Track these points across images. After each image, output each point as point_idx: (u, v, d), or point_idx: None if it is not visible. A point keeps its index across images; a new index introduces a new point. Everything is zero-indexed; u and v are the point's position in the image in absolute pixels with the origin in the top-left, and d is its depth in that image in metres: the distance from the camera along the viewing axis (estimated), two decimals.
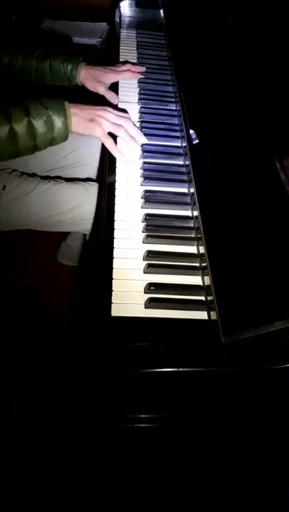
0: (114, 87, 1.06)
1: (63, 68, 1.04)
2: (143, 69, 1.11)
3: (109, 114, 0.86)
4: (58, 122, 0.83)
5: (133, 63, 1.13)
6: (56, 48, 1.09)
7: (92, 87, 1.05)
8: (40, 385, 1.28)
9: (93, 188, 1.09)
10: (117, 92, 1.04)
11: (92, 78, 1.05)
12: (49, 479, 1.12)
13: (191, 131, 0.81)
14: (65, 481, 1.13)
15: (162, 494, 1.09)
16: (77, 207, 1.08)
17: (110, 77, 1.06)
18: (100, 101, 1.04)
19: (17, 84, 1.12)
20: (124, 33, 1.32)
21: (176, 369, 0.52)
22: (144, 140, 0.90)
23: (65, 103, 0.84)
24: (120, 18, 1.39)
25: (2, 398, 1.25)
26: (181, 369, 0.52)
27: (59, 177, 1.15)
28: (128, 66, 1.09)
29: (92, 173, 1.20)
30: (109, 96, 1.02)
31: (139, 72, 1.09)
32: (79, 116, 0.85)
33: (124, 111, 0.95)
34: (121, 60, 1.16)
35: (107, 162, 0.87)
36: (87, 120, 0.85)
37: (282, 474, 0.88)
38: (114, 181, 0.82)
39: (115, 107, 0.98)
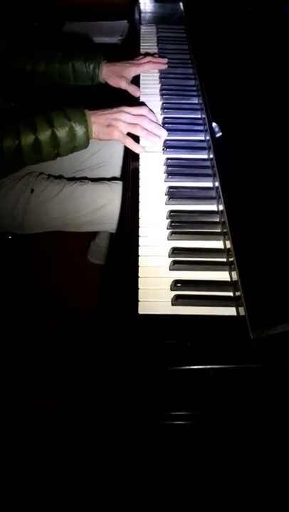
0: (135, 82, 1.07)
1: (86, 68, 1.06)
2: (164, 60, 1.11)
3: (125, 115, 0.87)
4: (79, 132, 0.85)
5: (153, 54, 1.13)
6: (77, 49, 1.10)
7: (115, 83, 1.06)
8: (42, 384, 1.30)
9: (118, 187, 1.10)
10: (138, 87, 1.04)
11: (114, 74, 1.06)
12: (49, 479, 1.13)
13: (214, 125, 0.80)
14: (65, 480, 1.13)
15: (162, 493, 1.09)
16: (104, 206, 1.09)
17: (131, 71, 1.07)
18: (123, 95, 1.05)
19: (41, 88, 1.15)
20: (144, 29, 1.31)
21: (203, 366, 0.52)
22: (164, 132, 0.90)
23: (86, 112, 0.86)
24: (140, 15, 1.38)
25: (3, 399, 1.27)
26: (208, 366, 0.51)
27: (85, 178, 1.16)
28: (148, 58, 1.10)
29: (117, 172, 1.21)
30: (132, 89, 1.04)
31: (160, 63, 1.09)
32: (98, 124, 0.87)
33: (142, 105, 0.95)
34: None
35: (130, 160, 0.87)
36: (105, 126, 0.87)
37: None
38: (138, 179, 0.82)
39: (134, 103, 0.98)
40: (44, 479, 1.13)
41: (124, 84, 1.04)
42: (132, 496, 1.09)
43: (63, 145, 0.86)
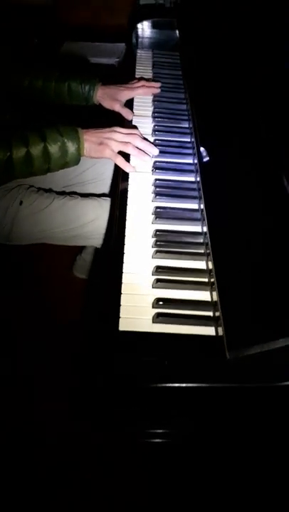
0: (129, 105, 1.10)
1: (81, 89, 1.09)
2: (157, 84, 1.14)
3: (117, 135, 0.89)
4: (71, 148, 0.87)
5: (147, 79, 1.17)
6: (74, 69, 1.14)
7: (109, 106, 1.09)
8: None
9: (107, 204, 1.11)
10: (132, 110, 1.07)
11: (108, 97, 1.09)
12: (49, 479, 1.13)
13: (202, 149, 0.82)
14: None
15: (162, 494, 1.09)
16: (92, 221, 1.10)
17: (125, 95, 1.10)
18: (116, 117, 1.08)
19: (37, 103, 1.17)
20: (140, 53, 1.35)
21: (179, 384, 0.52)
22: (155, 150, 0.92)
23: (79, 130, 0.88)
24: (137, 39, 1.43)
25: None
26: (184, 384, 0.52)
27: (74, 193, 1.18)
28: (142, 82, 1.13)
29: (107, 189, 1.23)
30: (125, 112, 1.06)
31: (153, 88, 1.12)
32: (90, 142, 0.89)
33: (134, 127, 0.98)
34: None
35: (120, 178, 0.89)
36: (97, 144, 0.89)
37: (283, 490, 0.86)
38: (127, 197, 0.84)
39: (126, 124, 1.01)
40: (44, 479, 1.13)
41: (117, 107, 1.07)
42: (133, 497, 1.10)
43: (54, 160, 0.87)
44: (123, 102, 1.09)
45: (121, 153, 0.90)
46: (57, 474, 1.14)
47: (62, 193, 1.15)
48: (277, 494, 0.90)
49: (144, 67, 1.27)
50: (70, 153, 0.87)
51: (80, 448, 1.17)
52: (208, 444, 0.67)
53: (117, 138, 0.89)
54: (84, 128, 0.90)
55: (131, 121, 1.05)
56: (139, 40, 1.43)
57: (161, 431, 0.62)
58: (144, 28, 1.44)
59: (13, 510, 1.09)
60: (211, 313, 0.63)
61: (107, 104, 1.09)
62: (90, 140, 0.89)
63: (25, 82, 1.10)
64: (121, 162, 0.89)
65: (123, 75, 1.34)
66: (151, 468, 1.11)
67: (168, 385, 0.53)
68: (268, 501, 0.93)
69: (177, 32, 1.39)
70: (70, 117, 1.12)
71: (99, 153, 0.89)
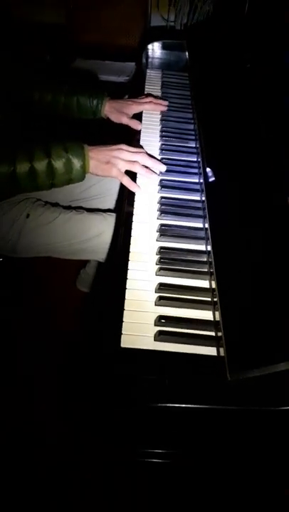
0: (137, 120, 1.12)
1: (89, 103, 1.11)
2: (165, 102, 1.16)
3: (124, 153, 0.90)
4: (76, 165, 0.88)
5: (156, 97, 1.19)
6: (83, 84, 1.16)
7: (116, 119, 1.11)
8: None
9: (113, 219, 1.12)
10: (139, 130, 1.09)
11: (116, 111, 1.11)
12: (49, 479, 1.13)
13: (208, 169, 0.84)
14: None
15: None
16: (97, 236, 1.11)
17: (132, 109, 1.12)
18: (123, 130, 1.10)
19: (44, 116, 1.20)
20: (150, 72, 1.38)
21: (179, 405, 0.52)
22: (163, 167, 0.93)
23: (84, 147, 0.89)
24: (147, 59, 1.46)
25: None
26: (184, 405, 0.52)
27: (81, 207, 1.19)
28: (150, 98, 1.15)
29: (112, 204, 1.24)
30: (133, 124, 1.09)
31: (160, 105, 1.14)
32: (96, 160, 0.89)
33: (141, 147, 0.99)
34: None
35: (126, 195, 0.90)
36: (104, 163, 0.89)
37: None
38: (132, 214, 0.85)
39: (134, 142, 1.02)
40: (44, 479, 1.13)
41: (125, 120, 1.09)
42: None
43: (59, 176, 0.88)
44: (130, 115, 1.12)
45: (127, 170, 0.91)
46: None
47: (69, 208, 1.16)
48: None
49: (153, 86, 1.29)
50: (74, 169, 0.88)
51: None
52: (207, 464, 0.67)
53: (124, 157, 0.90)
54: (90, 142, 0.91)
55: (139, 133, 1.07)
56: (149, 60, 1.46)
57: (160, 451, 0.62)
58: (155, 49, 1.47)
59: (13, 510, 1.09)
60: (213, 333, 0.63)
61: (115, 117, 1.12)
62: (96, 158, 0.89)
63: (35, 95, 1.12)
64: (127, 182, 0.90)
65: (132, 92, 1.37)
66: (151, 471, 1.10)
67: (167, 405, 0.53)
68: None
69: (187, 53, 1.42)
70: (75, 128, 1.15)
71: (106, 172, 0.90)
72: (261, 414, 0.53)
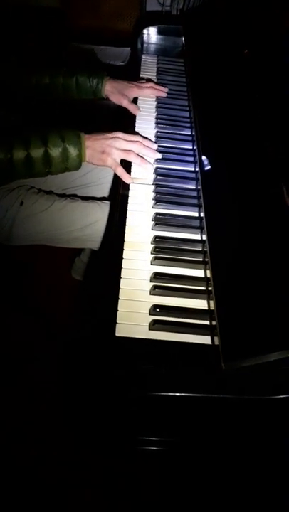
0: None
1: (89, 83, 1.10)
2: (165, 89, 1.15)
3: (120, 142, 0.89)
4: (73, 154, 0.87)
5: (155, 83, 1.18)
6: (80, 65, 1.14)
7: (117, 100, 1.10)
8: (40, 388, 1.30)
9: (107, 207, 1.12)
10: (134, 116, 1.08)
11: (117, 92, 1.10)
12: (48, 478, 1.14)
13: (204, 157, 0.83)
14: (65, 479, 1.13)
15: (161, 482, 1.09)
16: (92, 224, 1.10)
17: (133, 92, 1.12)
18: (119, 114, 1.09)
19: (41, 104, 1.18)
20: (145, 58, 1.36)
21: (174, 394, 0.53)
22: (158, 155, 0.93)
23: (81, 136, 0.88)
24: (142, 45, 1.43)
25: (2, 399, 1.27)
26: (178, 394, 0.52)
27: (75, 195, 1.18)
28: (151, 84, 1.15)
29: (107, 192, 1.23)
30: (132, 108, 1.09)
31: (161, 91, 1.14)
32: (92, 149, 0.89)
33: (136, 134, 0.98)
34: None
35: (121, 183, 0.89)
36: (99, 152, 0.89)
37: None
38: (127, 202, 0.84)
39: (128, 128, 1.01)
40: (43, 479, 1.14)
41: (125, 103, 1.09)
42: (133, 494, 1.10)
43: (55, 164, 0.87)
44: (131, 98, 1.11)
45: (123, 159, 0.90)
46: (56, 474, 1.15)
47: (63, 195, 1.15)
48: (274, 496, 0.91)
49: (148, 73, 1.27)
50: (71, 158, 0.87)
51: (79, 440, 1.18)
52: (203, 452, 0.68)
53: (119, 146, 0.89)
54: (85, 128, 0.90)
55: (134, 119, 1.06)
56: (145, 45, 1.43)
57: (156, 439, 0.63)
58: (150, 34, 1.44)
59: (13, 510, 1.10)
60: (207, 322, 0.63)
61: (115, 98, 1.10)
62: (92, 147, 0.89)
63: (32, 80, 1.10)
64: (121, 172, 0.89)
65: (127, 78, 1.35)
66: (151, 467, 1.12)
67: (162, 393, 0.53)
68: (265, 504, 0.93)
69: (183, 39, 1.40)
70: (71, 117, 1.13)
71: (101, 161, 0.89)
72: (255, 402, 0.54)
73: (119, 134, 0.91)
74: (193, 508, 1.07)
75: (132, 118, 1.08)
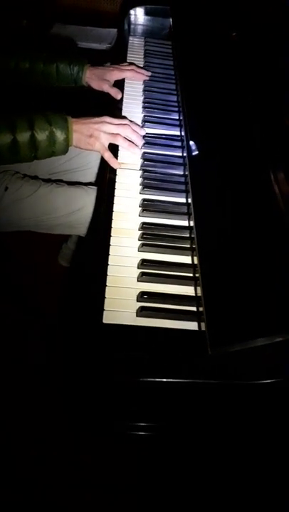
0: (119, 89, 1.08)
1: (70, 70, 1.07)
2: (147, 73, 1.13)
3: (107, 126, 0.88)
4: (59, 138, 0.85)
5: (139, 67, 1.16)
6: (62, 51, 1.11)
7: (97, 86, 1.08)
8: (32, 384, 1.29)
9: (94, 192, 1.10)
10: (121, 100, 1.06)
11: (97, 77, 1.08)
12: (48, 477, 1.14)
13: (192, 142, 0.82)
14: (65, 479, 1.14)
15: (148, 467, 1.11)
16: (78, 210, 1.09)
17: (114, 75, 1.10)
18: (105, 99, 1.07)
19: (23, 86, 1.15)
20: (132, 40, 1.33)
21: (160, 379, 0.53)
22: (143, 141, 0.92)
23: (68, 119, 0.86)
24: (129, 26, 1.40)
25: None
26: (165, 380, 0.53)
27: (61, 180, 1.16)
28: (132, 66, 1.13)
29: (94, 177, 1.21)
30: (113, 92, 1.07)
31: (142, 74, 1.12)
32: (79, 133, 0.87)
33: (124, 117, 0.97)
34: None
35: (108, 168, 0.88)
36: (87, 136, 0.87)
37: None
38: (114, 188, 0.83)
39: (117, 113, 0.99)
40: (43, 478, 1.14)
41: (106, 87, 1.07)
42: (131, 493, 1.11)
43: (42, 149, 0.86)
44: (111, 82, 1.09)
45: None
46: (56, 474, 1.15)
47: (49, 181, 1.13)
48: (262, 483, 0.93)
49: (135, 55, 1.25)
50: (58, 142, 0.86)
51: (78, 445, 1.18)
52: (190, 437, 0.69)
53: (107, 129, 0.88)
54: (71, 113, 0.88)
55: (120, 103, 1.04)
56: (132, 26, 1.40)
57: (143, 424, 0.63)
58: (137, 15, 1.41)
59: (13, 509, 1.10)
60: (194, 308, 0.64)
61: (96, 84, 1.08)
62: (79, 131, 0.87)
63: (11, 63, 1.07)
64: (108, 157, 0.88)
65: (114, 61, 1.32)
66: (135, 444, 1.13)
67: (149, 379, 0.53)
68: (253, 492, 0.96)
69: (170, 20, 1.37)
70: (57, 103, 1.10)
71: (89, 145, 0.88)
72: (241, 387, 0.55)
73: (107, 118, 0.89)
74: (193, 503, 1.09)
75: (117, 103, 1.05)
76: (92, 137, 0.87)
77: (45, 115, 0.85)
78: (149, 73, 1.13)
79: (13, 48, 1.08)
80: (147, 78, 1.12)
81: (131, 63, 1.15)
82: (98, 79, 1.08)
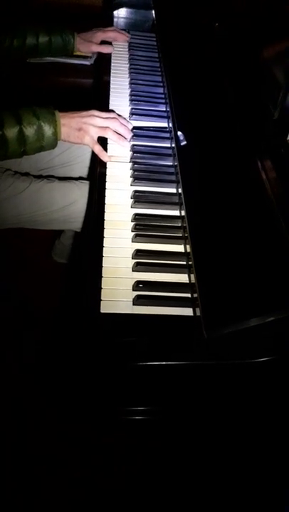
0: (106, 88, 1.09)
1: (62, 41, 1.18)
2: (128, 35, 1.28)
3: (96, 119, 0.89)
4: (48, 132, 0.86)
5: (124, 60, 1.21)
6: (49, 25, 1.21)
7: (87, 48, 1.22)
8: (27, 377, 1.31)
9: (86, 187, 1.11)
10: (108, 94, 1.07)
11: (84, 41, 1.21)
12: (48, 477, 1.14)
13: (180, 133, 0.83)
14: (53, 455, 1.15)
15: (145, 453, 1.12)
16: (70, 205, 1.10)
17: (98, 36, 1.23)
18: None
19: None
20: None
21: (159, 362, 0.55)
22: (131, 133, 0.94)
23: (56, 113, 0.87)
24: (112, 19, 1.40)
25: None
26: (164, 363, 0.55)
27: (52, 176, 1.17)
28: (113, 27, 1.29)
29: (85, 171, 1.22)
30: (103, 48, 1.22)
31: (124, 35, 1.27)
32: (68, 127, 0.88)
33: (112, 111, 0.98)
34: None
35: (98, 161, 0.89)
36: (76, 130, 0.88)
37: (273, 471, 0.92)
38: (105, 181, 0.85)
39: (104, 107, 1.01)
40: (42, 477, 1.14)
41: (94, 47, 1.21)
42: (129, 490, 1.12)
43: (30, 144, 0.86)
44: (98, 42, 1.22)
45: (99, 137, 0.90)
46: (45, 450, 1.16)
47: (40, 177, 1.14)
48: (256, 469, 0.96)
49: (120, 48, 1.25)
50: (46, 137, 0.86)
51: (77, 444, 1.18)
52: (188, 420, 0.71)
53: (96, 123, 0.89)
54: (59, 108, 0.89)
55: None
56: (115, 20, 1.41)
57: (142, 408, 0.65)
58: (120, 8, 1.41)
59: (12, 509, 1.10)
60: (189, 295, 0.65)
61: (84, 47, 1.21)
62: (67, 125, 0.88)
63: (6, 42, 1.13)
64: (98, 150, 0.89)
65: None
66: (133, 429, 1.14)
67: (148, 363, 0.55)
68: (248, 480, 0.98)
69: (153, 12, 1.37)
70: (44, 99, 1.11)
71: (78, 139, 0.89)
72: (236, 367, 0.57)
73: (95, 112, 0.90)
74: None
75: (104, 99, 1.06)
76: (81, 131, 0.88)
77: (31, 109, 0.85)
78: (129, 36, 1.28)
79: (5, 27, 1.14)
80: (128, 39, 1.27)
81: (114, 29, 1.28)
82: (85, 42, 1.20)
